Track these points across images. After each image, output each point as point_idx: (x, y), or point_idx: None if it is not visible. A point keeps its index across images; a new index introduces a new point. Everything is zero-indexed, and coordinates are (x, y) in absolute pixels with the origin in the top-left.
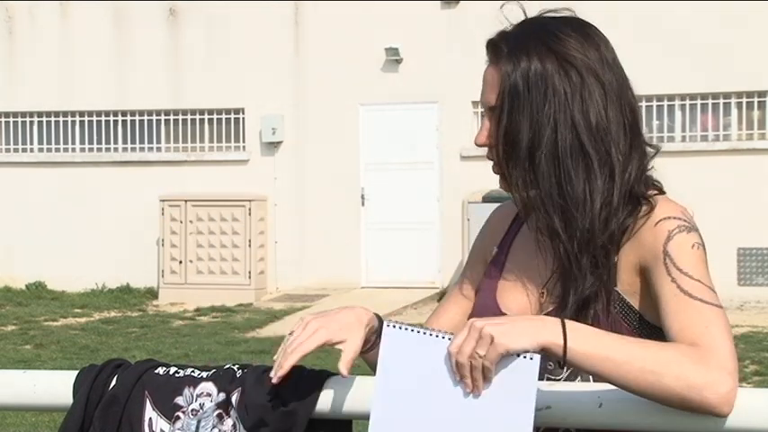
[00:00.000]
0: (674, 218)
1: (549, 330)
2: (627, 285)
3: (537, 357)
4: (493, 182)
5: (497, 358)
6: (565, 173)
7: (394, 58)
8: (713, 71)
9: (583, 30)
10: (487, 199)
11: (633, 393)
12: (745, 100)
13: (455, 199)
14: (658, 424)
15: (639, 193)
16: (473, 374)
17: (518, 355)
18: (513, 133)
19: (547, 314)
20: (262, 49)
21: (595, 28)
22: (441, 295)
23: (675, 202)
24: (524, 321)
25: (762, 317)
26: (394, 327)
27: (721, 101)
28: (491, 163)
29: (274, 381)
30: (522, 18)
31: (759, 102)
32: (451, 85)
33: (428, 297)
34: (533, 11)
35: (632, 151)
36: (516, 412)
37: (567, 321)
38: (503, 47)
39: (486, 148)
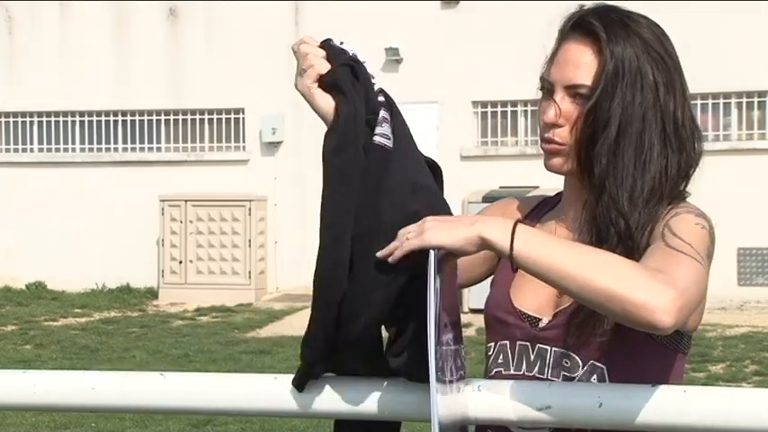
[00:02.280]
0: (686, 206)
1: (495, 226)
2: None
3: (434, 253)
4: (493, 182)
5: (416, 246)
6: (646, 163)
7: (394, 58)
8: (713, 71)
9: (659, 27)
10: (487, 199)
11: (573, 295)
12: (745, 100)
13: (455, 199)
14: (658, 424)
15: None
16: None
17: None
18: (603, 118)
19: (562, 310)
20: (262, 49)
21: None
22: None
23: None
24: (473, 218)
25: (762, 317)
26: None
27: (721, 101)
28: (491, 163)
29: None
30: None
31: (759, 102)
32: (451, 85)
33: None
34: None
35: (694, 153)
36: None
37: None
38: (596, 28)
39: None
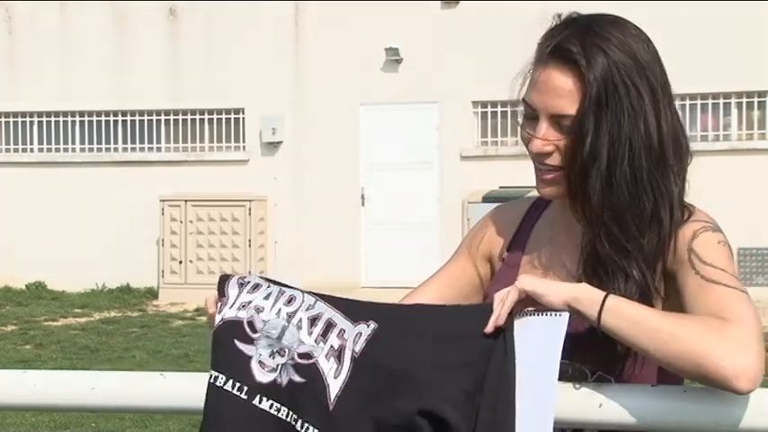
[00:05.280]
0: (698, 220)
1: (586, 288)
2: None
3: (566, 315)
4: (493, 182)
5: (516, 295)
6: (641, 190)
7: (394, 58)
8: (713, 71)
9: (634, 35)
10: (487, 199)
11: (651, 358)
12: (745, 100)
13: (455, 199)
14: (658, 424)
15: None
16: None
17: (549, 314)
18: (593, 149)
19: None
20: (262, 49)
21: (637, 28)
22: None
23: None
24: (564, 282)
25: (762, 317)
26: None
27: (721, 101)
28: (491, 163)
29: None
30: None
31: (759, 102)
32: (451, 85)
33: None
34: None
35: (683, 164)
36: (542, 369)
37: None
38: (575, 55)
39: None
